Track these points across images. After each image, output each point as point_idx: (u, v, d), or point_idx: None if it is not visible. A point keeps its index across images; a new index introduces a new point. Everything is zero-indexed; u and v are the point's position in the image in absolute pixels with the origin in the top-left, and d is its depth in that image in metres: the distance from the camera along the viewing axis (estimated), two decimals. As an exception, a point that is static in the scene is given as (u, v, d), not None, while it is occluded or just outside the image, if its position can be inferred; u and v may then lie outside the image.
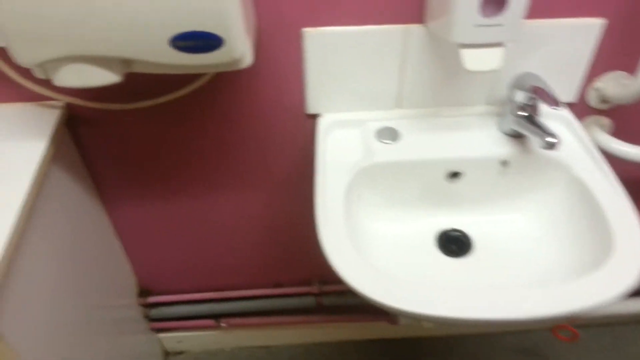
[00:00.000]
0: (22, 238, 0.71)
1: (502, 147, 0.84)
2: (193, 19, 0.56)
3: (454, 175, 0.86)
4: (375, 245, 0.85)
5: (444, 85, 0.85)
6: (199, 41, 0.58)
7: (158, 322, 1.26)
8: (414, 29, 0.77)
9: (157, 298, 1.22)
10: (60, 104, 0.82)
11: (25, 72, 0.77)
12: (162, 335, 1.33)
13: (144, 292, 1.21)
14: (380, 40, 0.78)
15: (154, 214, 1.04)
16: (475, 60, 0.71)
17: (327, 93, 0.85)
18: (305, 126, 0.90)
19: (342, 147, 0.85)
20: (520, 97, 0.81)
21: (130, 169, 0.95)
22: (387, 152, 0.84)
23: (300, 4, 0.73)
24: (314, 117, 0.88)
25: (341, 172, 0.82)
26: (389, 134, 0.86)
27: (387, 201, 0.87)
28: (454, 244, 0.88)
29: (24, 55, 0.59)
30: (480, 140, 0.85)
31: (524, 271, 0.78)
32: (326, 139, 0.86)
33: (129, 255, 1.13)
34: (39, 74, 0.63)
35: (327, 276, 1.23)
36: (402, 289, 0.65)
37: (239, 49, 0.60)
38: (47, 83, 0.79)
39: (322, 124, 0.87)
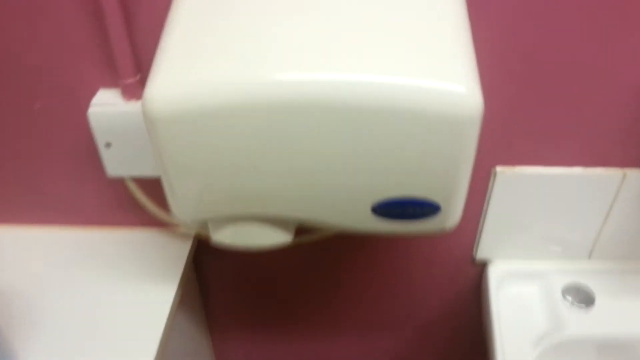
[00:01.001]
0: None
1: None
2: (411, 184, 0.43)
3: (668, 355, 0.67)
4: None
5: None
6: (410, 209, 0.45)
7: None
8: (633, 173, 0.62)
9: None
10: (190, 232, 0.70)
11: (158, 199, 0.66)
12: None
13: None
14: (589, 184, 0.63)
15: (263, 350, 0.89)
16: None
17: (505, 237, 0.69)
18: (467, 273, 0.74)
19: (520, 309, 0.69)
20: None
21: (246, 304, 0.82)
22: (580, 321, 0.66)
23: (499, 140, 0.60)
24: (479, 263, 0.73)
25: (524, 346, 0.65)
26: (581, 295, 0.69)
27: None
28: None
29: (185, 213, 0.47)
30: None
31: None
32: (499, 296, 0.70)
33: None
34: (192, 225, 0.51)
35: None
36: None
37: (455, 217, 0.47)
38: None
39: (493, 274, 0.71)
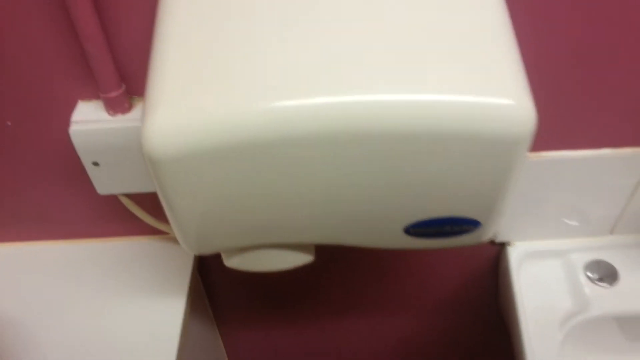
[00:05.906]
0: None
1: None
2: (449, 206, 0.38)
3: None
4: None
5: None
6: (448, 227, 0.41)
7: None
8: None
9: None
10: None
11: (155, 210, 0.60)
12: None
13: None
14: (616, 164, 0.59)
15: (271, 338, 0.87)
16: None
17: (525, 219, 0.66)
18: (485, 254, 0.72)
19: (543, 288, 0.66)
20: None
21: (252, 295, 0.79)
22: (604, 299, 0.64)
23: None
24: (498, 245, 0.70)
25: (549, 327, 0.63)
26: (603, 271, 0.67)
27: (597, 351, 0.68)
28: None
29: (195, 247, 0.42)
30: None
31: None
32: (520, 276, 0.67)
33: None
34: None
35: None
36: None
37: (494, 228, 0.43)
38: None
39: (514, 255, 0.68)
